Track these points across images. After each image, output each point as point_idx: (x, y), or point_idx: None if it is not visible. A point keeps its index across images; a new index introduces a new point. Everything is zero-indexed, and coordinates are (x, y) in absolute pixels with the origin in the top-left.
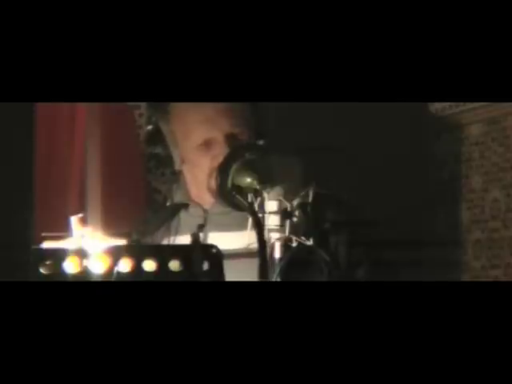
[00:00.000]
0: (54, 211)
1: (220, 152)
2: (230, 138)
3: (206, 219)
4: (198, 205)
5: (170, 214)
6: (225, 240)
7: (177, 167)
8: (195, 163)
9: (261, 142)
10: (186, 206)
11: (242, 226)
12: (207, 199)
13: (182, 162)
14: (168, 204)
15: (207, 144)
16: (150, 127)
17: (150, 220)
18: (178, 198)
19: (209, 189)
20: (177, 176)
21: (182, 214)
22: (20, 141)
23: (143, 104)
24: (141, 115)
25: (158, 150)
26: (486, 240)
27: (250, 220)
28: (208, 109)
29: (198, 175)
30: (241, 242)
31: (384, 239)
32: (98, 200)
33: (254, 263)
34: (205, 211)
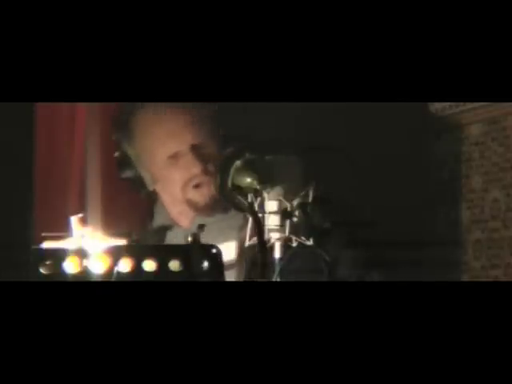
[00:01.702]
0: (54, 211)
1: (187, 164)
2: (196, 150)
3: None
4: (179, 224)
5: (155, 239)
6: None
7: (150, 188)
8: (167, 179)
9: (228, 151)
10: (169, 227)
11: (226, 237)
12: (188, 214)
13: (154, 181)
14: (151, 228)
15: (174, 157)
16: (117, 153)
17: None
18: (159, 220)
19: (187, 202)
20: (153, 197)
21: (168, 236)
22: (20, 141)
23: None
24: None
25: (129, 173)
26: (486, 240)
27: (250, 220)
28: (171, 124)
29: (172, 191)
30: (227, 253)
31: (384, 239)
32: (98, 200)
33: (238, 274)
34: (186, 230)
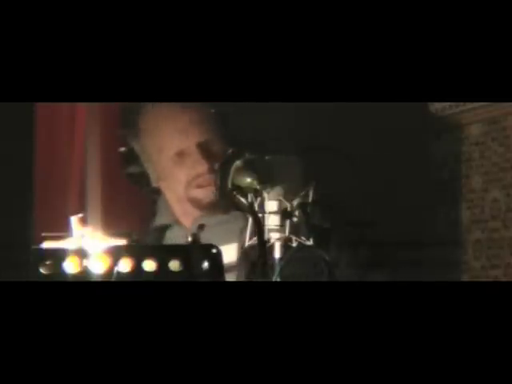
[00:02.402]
0: (54, 211)
1: (194, 161)
2: (203, 148)
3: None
4: (181, 223)
5: (155, 238)
6: None
7: (154, 185)
8: (172, 177)
9: (230, 151)
10: (170, 226)
11: (228, 240)
12: (192, 213)
13: (159, 178)
14: (152, 227)
15: (180, 155)
16: (123, 148)
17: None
18: (161, 218)
19: (191, 201)
20: (156, 194)
21: (168, 235)
22: (20, 141)
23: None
24: None
25: (134, 169)
26: (486, 240)
27: (250, 221)
28: (179, 121)
29: (176, 189)
30: (228, 255)
31: (384, 239)
32: (98, 200)
33: (239, 274)
34: (188, 229)
